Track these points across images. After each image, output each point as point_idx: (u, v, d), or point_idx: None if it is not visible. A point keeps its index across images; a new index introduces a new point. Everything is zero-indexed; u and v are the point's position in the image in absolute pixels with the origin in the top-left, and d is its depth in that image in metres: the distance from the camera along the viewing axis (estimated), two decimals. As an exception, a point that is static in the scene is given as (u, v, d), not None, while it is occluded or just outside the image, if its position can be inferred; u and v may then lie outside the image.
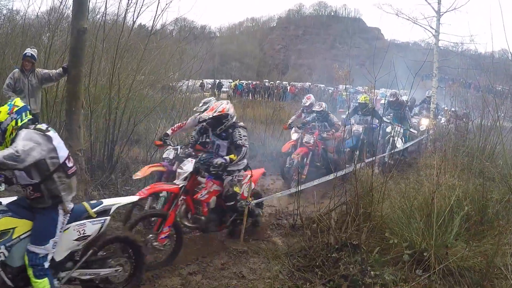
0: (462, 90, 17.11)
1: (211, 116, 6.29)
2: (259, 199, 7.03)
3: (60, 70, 8.13)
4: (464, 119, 13.61)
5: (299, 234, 6.09)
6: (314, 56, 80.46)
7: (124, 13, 10.71)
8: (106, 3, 10.39)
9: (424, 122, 14.28)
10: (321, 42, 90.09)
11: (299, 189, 6.85)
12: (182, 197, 5.93)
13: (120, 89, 9.76)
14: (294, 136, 10.69)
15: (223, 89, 41.66)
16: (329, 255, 5.11)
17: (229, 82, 45.05)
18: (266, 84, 40.22)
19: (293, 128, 10.90)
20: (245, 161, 6.51)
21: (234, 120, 6.39)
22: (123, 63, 10.27)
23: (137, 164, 9.50)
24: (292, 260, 5.39)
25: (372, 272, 4.61)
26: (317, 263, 5.05)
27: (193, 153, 6.78)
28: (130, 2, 10.29)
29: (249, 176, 6.68)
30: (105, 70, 10.72)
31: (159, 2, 10.08)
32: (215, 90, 39.83)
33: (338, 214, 6.19)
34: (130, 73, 10.37)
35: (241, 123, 6.54)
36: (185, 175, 5.99)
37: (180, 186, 5.93)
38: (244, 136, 6.26)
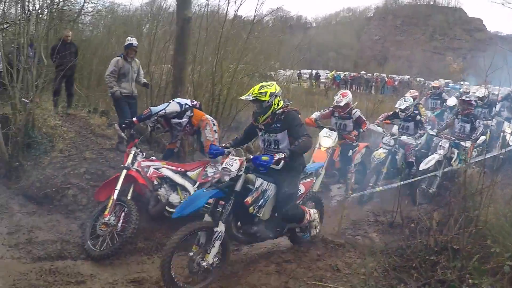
0: None
1: None
2: None
3: (144, 81, 9.03)
4: None
5: (397, 232, 5.93)
6: (413, 47, 77.47)
7: (226, 4, 11.05)
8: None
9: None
10: (420, 33, 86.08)
11: (400, 185, 6.69)
12: None
13: (223, 77, 10.07)
14: (326, 141, 8.34)
15: (321, 79, 41.57)
16: (427, 257, 4.93)
17: (326, 73, 44.75)
18: (365, 76, 39.53)
19: (325, 129, 8.60)
20: None
21: None
22: (225, 52, 10.56)
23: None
24: (388, 259, 5.26)
25: (470, 280, 4.37)
26: (414, 265, 4.89)
27: None
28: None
29: None
30: (207, 59, 11.08)
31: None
32: (313, 80, 39.98)
33: (439, 215, 5.97)
34: (233, 61, 10.65)
35: None
36: None
37: None
38: None
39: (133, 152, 6.44)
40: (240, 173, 4.94)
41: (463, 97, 9.50)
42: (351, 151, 8.51)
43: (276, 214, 5.36)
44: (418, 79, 40.19)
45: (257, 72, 12.99)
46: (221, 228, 4.74)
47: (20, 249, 5.71)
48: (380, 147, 8.78)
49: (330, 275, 5.12)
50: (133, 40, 8.62)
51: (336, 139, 8.24)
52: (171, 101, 7.25)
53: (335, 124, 8.84)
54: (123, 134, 6.78)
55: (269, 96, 5.23)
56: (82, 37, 15.27)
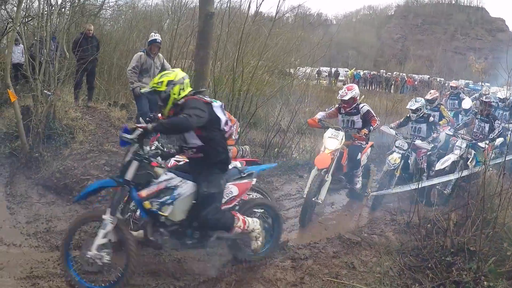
0: None
1: None
2: None
3: None
4: None
5: (414, 232, 5.89)
6: (433, 47, 76.57)
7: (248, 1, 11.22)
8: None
9: None
10: (441, 33, 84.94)
11: (418, 186, 6.58)
12: None
13: (243, 72, 10.12)
14: (332, 143, 7.26)
15: (340, 77, 41.32)
16: (443, 258, 4.92)
17: (345, 71, 44.51)
18: (384, 74, 39.25)
19: (330, 129, 7.52)
20: None
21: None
22: (246, 48, 10.60)
23: (255, 147, 9.78)
24: (403, 258, 5.28)
25: (485, 283, 4.37)
26: (429, 265, 4.88)
27: None
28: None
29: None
30: (228, 54, 11.14)
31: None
32: (332, 78, 39.78)
33: (456, 217, 5.91)
34: (254, 57, 10.72)
35: None
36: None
37: None
38: None
39: (154, 145, 6.51)
40: (128, 158, 4.37)
41: (483, 98, 9.35)
42: (360, 153, 7.64)
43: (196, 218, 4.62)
44: (438, 79, 39.63)
45: (276, 69, 13.00)
46: (107, 216, 4.23)
47: (38, 238, 5.79)
48: (394, 151, 8.45)
49: (346, 273, 5.14)
50: (156, 36, 8.64)
51: (343, 140, 7.30)
52: None
53: (342, 121, 7.95)
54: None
55: (166, 86, 4.51)
56: (103, 32, 15.47)
